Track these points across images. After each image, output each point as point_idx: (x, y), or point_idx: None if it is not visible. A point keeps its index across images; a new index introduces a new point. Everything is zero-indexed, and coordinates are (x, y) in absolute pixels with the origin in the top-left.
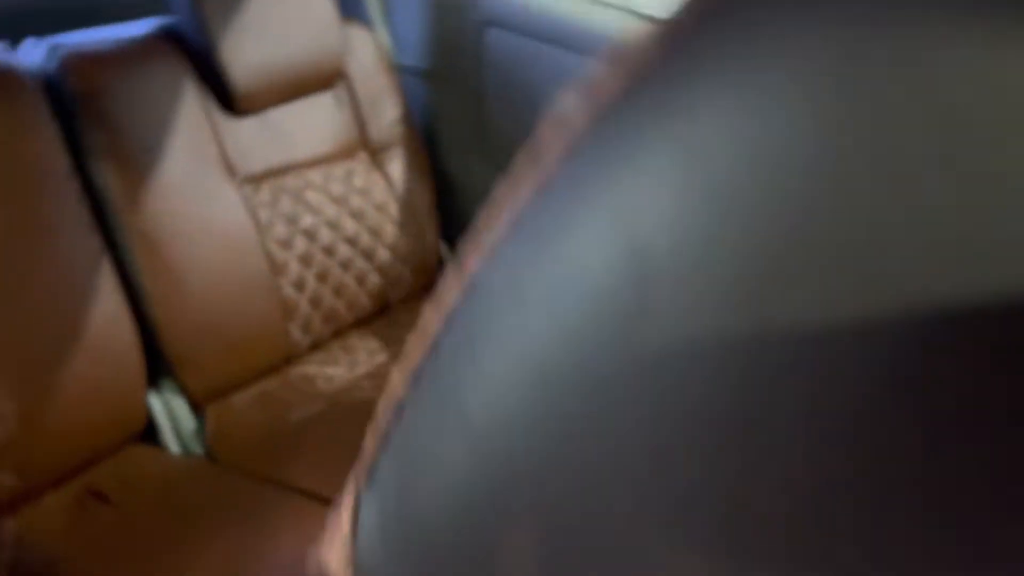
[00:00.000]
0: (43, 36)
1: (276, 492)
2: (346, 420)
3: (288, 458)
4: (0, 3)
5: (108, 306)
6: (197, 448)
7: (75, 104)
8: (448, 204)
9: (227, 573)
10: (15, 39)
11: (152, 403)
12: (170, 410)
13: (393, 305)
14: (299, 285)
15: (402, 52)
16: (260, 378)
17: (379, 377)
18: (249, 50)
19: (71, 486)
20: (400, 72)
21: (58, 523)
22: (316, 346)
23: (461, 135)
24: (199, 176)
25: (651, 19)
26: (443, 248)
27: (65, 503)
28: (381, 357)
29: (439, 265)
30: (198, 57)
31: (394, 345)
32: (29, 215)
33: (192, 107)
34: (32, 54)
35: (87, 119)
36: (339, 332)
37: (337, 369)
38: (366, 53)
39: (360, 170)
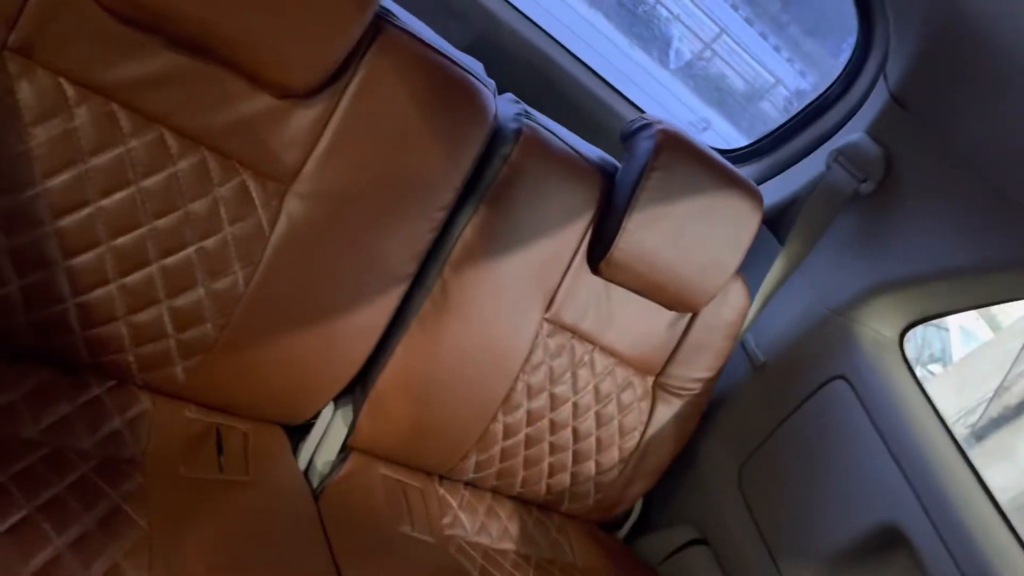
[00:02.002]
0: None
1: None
2: (430, 572)
3: (362, 559)
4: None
5: (372, 315)
6: (315, 477)
7: (500, 162)
8: (675, 473)
9: None
10: (504, 89)
11: (324, 411)
12: (328, 429)
13: (557, 513)
14: (509, 431)
15: (753, 332)
16: (411, 469)
17: (490, 560)
18: (649, 235)
19: (212, 416)
20: (739, 345)
21: (171, 435)
22: (472, 486)
23: (738, 430)
24: (523, 287)
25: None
26: (638, 504)
27: (195, 425)
28: (508, 545)
29: (624, 514)
30: (607, 205)
31: (527, 545)
32: (392, 201)
33: (568, 238)
34: (505, 105)
35: (496, 179)
36: (498, 492)
37: (468, 520)
38: (727, 311)
39: (637, 389)
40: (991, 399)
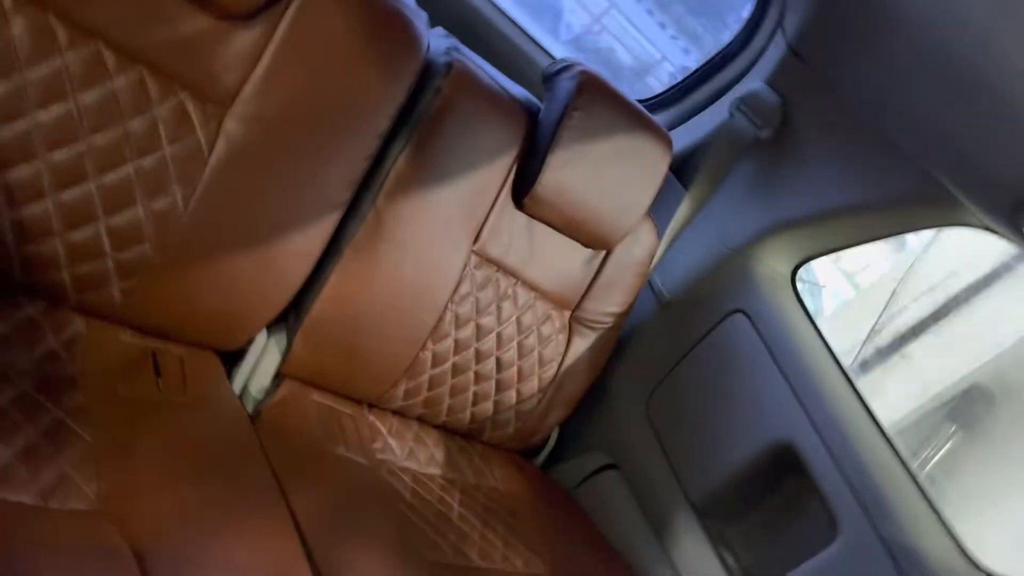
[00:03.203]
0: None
1: (263, 491)
2: (364, 491)
3: (301, 475)
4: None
5: (307, 241)
6: (250, 403)
7: (432, 94)
8: (588, 403)
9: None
10: (435, 23)
11: (258, 337)
12: (262, 356)
13: (479, 442)
14: (437, 360)
15: (660, 270)
16: (343, 396)
17: (420, 483)
18: (570, 172)
19: (147, 340)
20: (647, 283)
21: (107, 357)
22: (400, 414)
23: (645, 362)
24: (453, 219)
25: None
26: (554, 433)
27: (130, 348)
28: (434, 470)
29: (540, 443)
30: (531, 144)
31: (452, 471)
32: (329, 126)
33: (494, 172)
34: (437, 39)
35: (428, 111)
36: (424, 421)
37: (397, 446)
38: (639, 250)
39: (555, 322)
40: (863, 343)
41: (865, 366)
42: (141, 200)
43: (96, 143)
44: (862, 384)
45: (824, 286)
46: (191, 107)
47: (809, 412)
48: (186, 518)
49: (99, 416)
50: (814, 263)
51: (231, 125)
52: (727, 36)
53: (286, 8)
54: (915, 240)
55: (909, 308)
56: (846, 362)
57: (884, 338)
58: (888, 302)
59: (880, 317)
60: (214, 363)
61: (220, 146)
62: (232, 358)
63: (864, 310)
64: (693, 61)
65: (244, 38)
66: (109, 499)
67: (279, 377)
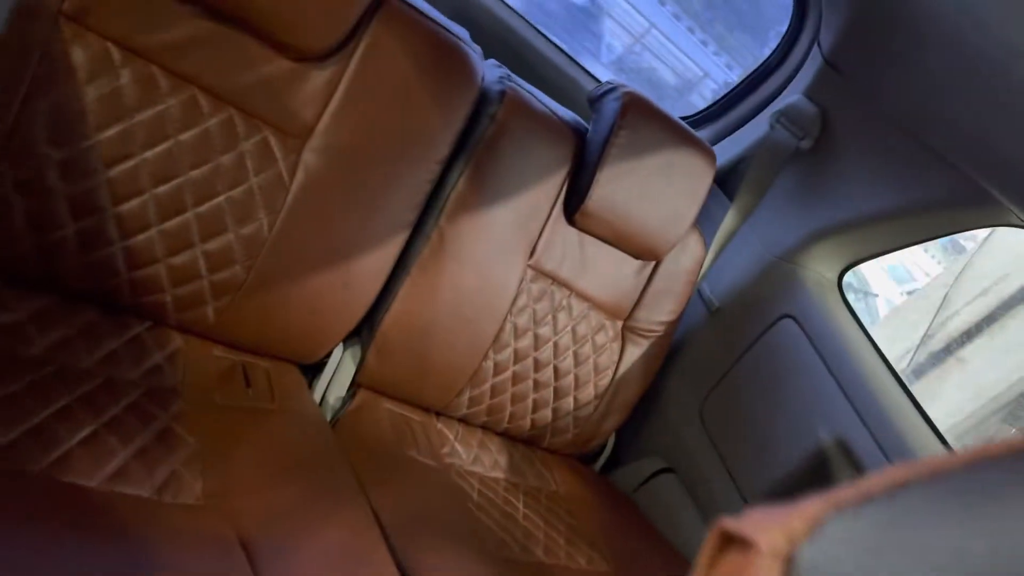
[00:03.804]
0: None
1: (345, 489)
2: (435, 491)
3: (380, 476)
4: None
5: (378, 260)
6: (328, 411)
7: (487, 120)
8: (643, 409)
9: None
10: (488, 55)
11: (335, 351)
12: (339, 368)
13: (539, 448)
14: (498, 369)
15: (708, 279)
16: (412, 405)
17: (486, 486)
18: (617, 188)
19: (237, 356)
20: (696, 292)
21: (203, 370)
22: (465, 422)
23: (698, 368)
24: (510, 235)
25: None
26: (611, 439)
27: (222, 362)
28: (499, 474)
29: (598, 449)
30: (581, 161)
31: (515, 475)
32: (395, 153)
33: (547, 191)
34: (490, 69)
35: (484, 136)
36: (487, 428)
37: (463, 451)
38: (687, 260)
39: (609, 331)
40: (917, 348)
41: (919, 370)
42: (232, 226)
43: (193, 177)
44: (917, 388)
45: (877, 294)
46: (273, 142)
47: (860, 411)
48: (281, 512)
49: (200, 422)
50: (867, 272)
51: (309, 156)
52: (767, 51)
53: (355, 48)
54: (972, 243)
55: (962, 312)
56: (900, 366)
57: (938, 342)
58: (940, 306)
59: (933, 321)
60: (296, 375)
61: (299, 176)
62: (312, 370)
63: (917, 314)
64: (736, 76)
65: (319, 77)
66: (214, 495)
67: (354, 387)
